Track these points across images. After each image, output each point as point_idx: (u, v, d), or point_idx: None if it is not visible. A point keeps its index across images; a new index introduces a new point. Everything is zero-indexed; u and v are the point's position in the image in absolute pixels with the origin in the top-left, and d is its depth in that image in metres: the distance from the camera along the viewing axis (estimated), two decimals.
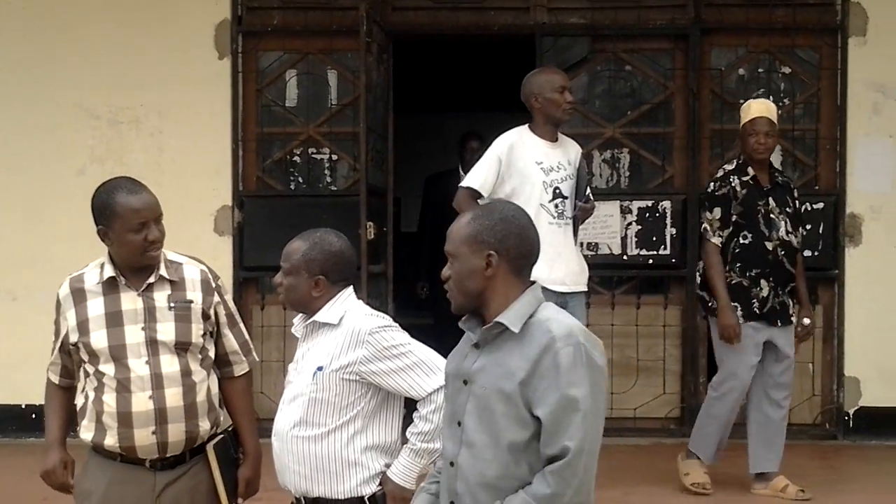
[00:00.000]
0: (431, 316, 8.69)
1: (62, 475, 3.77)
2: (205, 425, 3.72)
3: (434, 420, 3.50)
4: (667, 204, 7.82)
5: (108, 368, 3.62)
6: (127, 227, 3.61)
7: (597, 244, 7.78)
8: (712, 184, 6.35)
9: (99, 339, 3.63)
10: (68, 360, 3.78)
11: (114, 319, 3.65)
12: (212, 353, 3.80)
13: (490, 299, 2.93)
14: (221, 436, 3.82)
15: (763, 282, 6.15)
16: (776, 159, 7.27)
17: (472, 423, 2.89)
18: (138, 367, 3.62)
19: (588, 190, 5.98)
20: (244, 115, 7.95)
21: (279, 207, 7.85)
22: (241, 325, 3.95)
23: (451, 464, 2.95)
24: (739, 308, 6.15)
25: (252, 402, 4.04)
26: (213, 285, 3.81)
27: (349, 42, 7.63)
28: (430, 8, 7.99)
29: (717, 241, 6.21)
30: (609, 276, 7.88)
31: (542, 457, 2.79)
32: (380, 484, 3.59)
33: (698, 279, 6.42)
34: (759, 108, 6.28)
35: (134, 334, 3.64)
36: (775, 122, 6.30)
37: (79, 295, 3.70)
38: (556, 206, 5.79)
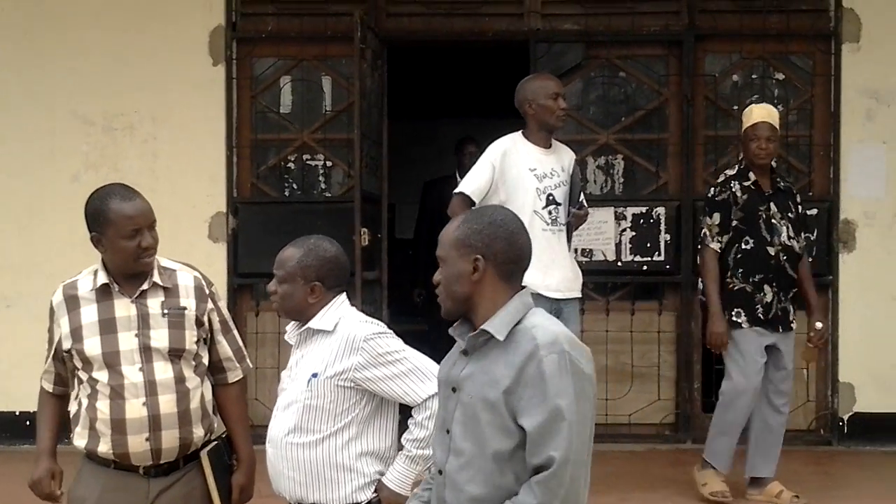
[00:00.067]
0: (426, 322, 8.69)
1: (48, 485, 3.76)
2: (199, 432, 3.72)
3: (429, 426, 3.50)
4: (661, 210, 7.82)
5: (101, 375, 3.62)
6: (120, 233, 3.60)
7: (591, 250, 7.78)
8: (712, 189, 6.33)
9: (92, 345, 3.63)
10: (62, 367, 3.77)
11: (107, 326, 3.64)
12: (205, 360, 3.80)
13: (478, 304, 2.91)
14: (215, 442, 3.81)
15: (766, 287, 6.13)
16: None
17: (459, 431, 2.88)
18: (132, 373, 3.61)
19: (582, 196, 5.98)
20: (238, 122, 7.95)
21: (273, 214, 7.85)
22: (235, 332, 3.95)
23: (440, 472, 2.95)
24: (743, 314, 6.12)
25: (246, 408, 4.04)
26: (207, 292, 3.81)
27: (343, 48, 7.64)
28: (425, 14, 8.00)
29: (715, 246, 6.20)
30: (604, 282, 7.88)
31: (527, 466, 2.77)
32: (375, 491, 3.59)
33: (700, 285, 6.40)
34: (760, 114, 6.25)
35: (127, 341, 3.63)
36: (777, 127, 6.27)
37: (72, 302, 3.70)
38: (550, 212, 5.79)
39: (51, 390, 3.85)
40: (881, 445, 7.62)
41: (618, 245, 7.82)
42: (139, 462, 3.65)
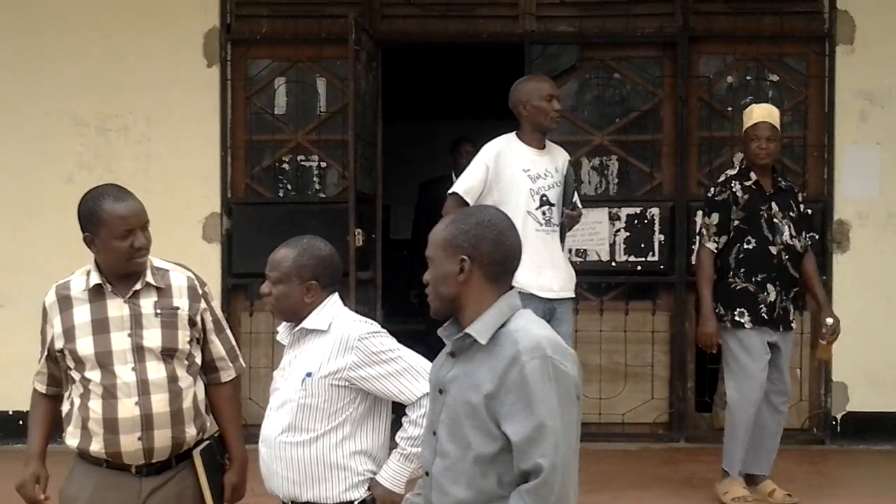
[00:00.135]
0: (423, 322, 8.71)
1: (32, 490, 3.76)
2: (191, 431, 3.73)
3: (423, 424, 3.50)
4: (655, 211, 7.84)
5: (94, 375, 3.63)
6: (113, 234, 3.61)
7: (585, 251, 7.80)
8: (713, 189, 6.32)
9: (85, 345, 3.63)
10: (55, 367, 3.78)
11: (100, 326, 3.65)
12: (198, 360, 3.80)
13: (465, 305, 2.89)
14: (208, 442, 3.82)
15: (770, 286, 6.10)
16: None
17: (445, 434, 2.87)
18: (124, 373, 3.62)
19: (576, 197, 5.99)
20: (233, 123, 7.96)
21: (268, 214, 7.86)
22: (228, 332, 3.95)
23: (427, 473, 2.95)
24: (747, 314, 6.09)
25: (239, 408, 4.05)
26: (200, 292, 3.82)
27: (338, 50, 7.64)
28: (419, 16, 8.01)
29: (711, 246, 6.19)
30: (598, 282, 7.89)
31: (515, 472, 2.75)
32: (368, 489, 3.60)
33: None
34: (760, 114, 6.23)
35: (120, 341, 3.64)
36: (778, 127, 6.25)
37: (65, 302, 3.71)
38: (544, 213, 5.80)
39: (43, 391, 3.86)
40: (874, 444, 7.64)
41: (612, 245, 7.84)
42: (131, 461, 3.65)
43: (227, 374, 3.91)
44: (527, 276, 5.66)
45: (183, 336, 3.71)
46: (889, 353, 7.60)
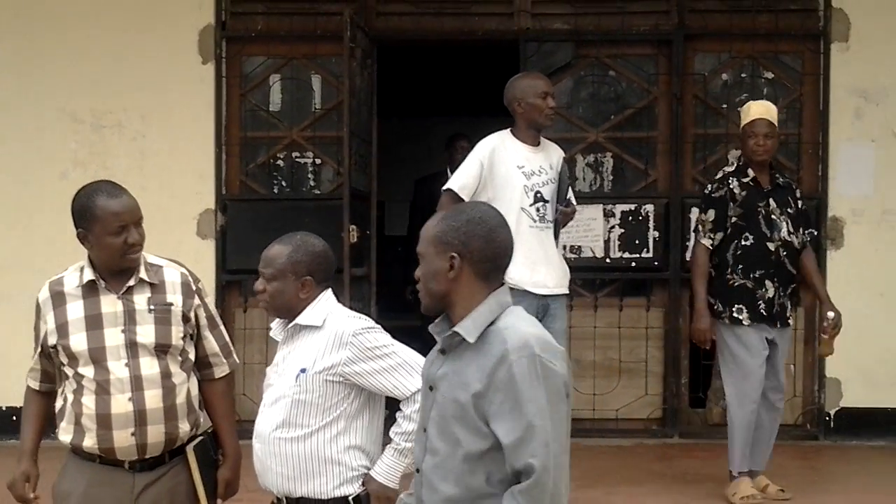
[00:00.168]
0: (418, 318, 8.71)
1: (21, 488, 3.76)
2: (184, 427, 3.73)
3: (417, 419, 3.51)
4: (650, 207, 7.85)
5: (87, 371, 3.63)
6: (106, 230, 3.61)
7: (580, 247, 7.81)
8: (710, 185, 6.31)
9: (78, 341, 3.64)
10: (48, 364, 3.78)
11: (93, 322, 3.65)
12: (192, 356, 3.81)
13: (455, 303, 2.88)
14: (201, 437, 3.82)
15: (768, 282, 6.09)
16: None
17: (434, 431, 2.87)
18: (118, 369, 3.62)
19: (570, 194, 5.99)
20: (228, 120, 7.97)
21: (262, 211, 7.87)
22: (222, 328, 3.96)
23: (418, 470, 2.95)
24: (745, 310, 6.08)
25: (232, 404, 4.05)
26: (194, 288, 3.82)
27: (333, 47, 7.64)
28: (415, 13, 8.02)
29: (706, 242, 6.17)
30: (592, 278, 7.90)
31: (508, 470, 2.75)
32: (363, 484, 3.60)
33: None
34: (758, 110, 6.22)
35: (114, 337, 3.64)
36: (775, 123, 6.24)
37: (58, 298, 3.71)
38: (538, 209, 5.81)
39: (37, 388, 3.86)
40: (867, 440, 7.67)
41: (606, 242, 7.86)
42: (124, 457, 3.66)
43: (221, 370, 3.91)
44: (521, 273, 5.68)
45: (176, 332, 3.72)
46: (883, 349, 7.62)
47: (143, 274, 3.72)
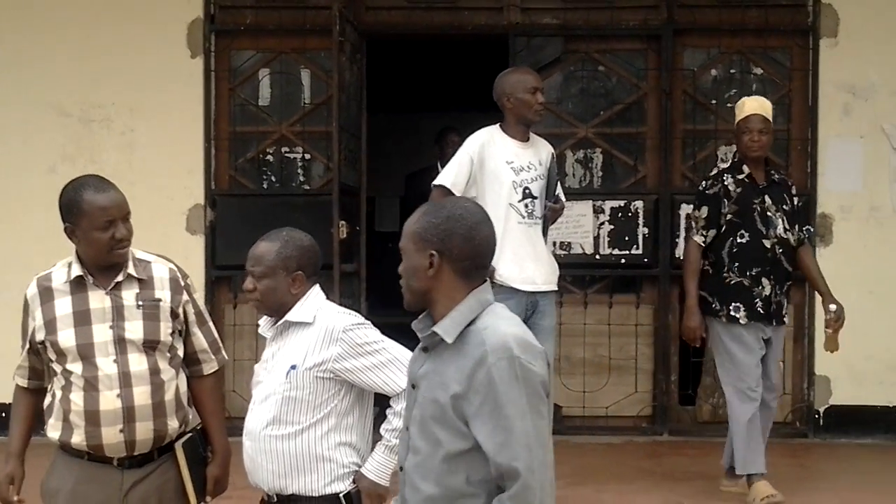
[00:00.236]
0: (408, 315, 8.69)
1: (5, 490, 3.74)
2: (173, 424, 3.71)
3: None
4: (639, 204, 7.85)
5: (75, 367, 3.61)
6: (94, 224, 3.59)
7: (569, 244, 7.81)
8: (704, 182, 6.27)
9: (66, 337, 3.62)
10: (37, 361, 3.76)
11: (81, 318, 3.63)
12: (180, 352, 3.79)
13: (436, 300, 2.85)
14: (190, 434, 3.81)
15: (764, 280, 6.04)
16: None
17: (416, 430, 2.85)
18: (106, 365, 3.61)
19: (559, 190, 5.98)
20: (217, 114, 7.95)
21: (252, 206, 7.85)
22: (210, 324, 3.94)
23: (401, 469, 2.93)
24: (742, 308, 6.03)
25: (221, 400, 4.04)
26: (182, 284, 3.80)
27: (322, 41, 7.62)
28: (404, 8, 8.00)
29: (699, 239, 6.13)
30: (582, 275, 7.91)
31: (493, 474, 2.72)
32: (353, 481, 3.59)
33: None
34: (752, 106, 6.17)
35: (102, 333, 3.62)
36: (770, 119, 6.19)
37: (46, 294, 3.69)
38: (526, 205, 5.79)
39: (25, 385, 3.83)
40: (856, 438, 7.68)
41: (596, 238, 7.85)
42: (113, 454, 3.64)
43: (210, 367, 3.90)
44: (509, 269, 5.67)
45: (165, 328, 3.70)
46: (872, 346, 7.62)
47: (131, 269, 3.70)
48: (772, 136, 6.30)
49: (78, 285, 3.67)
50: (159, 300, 3.71)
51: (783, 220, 6.12)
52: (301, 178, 8.13)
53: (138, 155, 7.81)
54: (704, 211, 6.13)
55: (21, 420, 3.83)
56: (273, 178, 8.12)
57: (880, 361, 7.65)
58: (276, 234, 3.71)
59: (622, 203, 7.86)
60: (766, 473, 6.08)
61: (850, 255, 7.71)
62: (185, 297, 3.79)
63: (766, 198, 6.12)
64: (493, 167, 5.78)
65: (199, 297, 3.97)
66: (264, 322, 3.77)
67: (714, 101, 7.98)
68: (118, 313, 3.65)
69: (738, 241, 6.08)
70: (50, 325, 3.64)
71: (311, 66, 8.08)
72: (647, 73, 7.98)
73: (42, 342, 3.65)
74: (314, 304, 3.67)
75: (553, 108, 7.74)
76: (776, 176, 6.28)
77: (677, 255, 7.74)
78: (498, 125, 5.95)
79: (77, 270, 3.67)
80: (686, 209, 7.62)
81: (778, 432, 7.53)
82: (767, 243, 6.07)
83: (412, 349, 3.48)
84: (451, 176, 5.79)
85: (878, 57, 7.76)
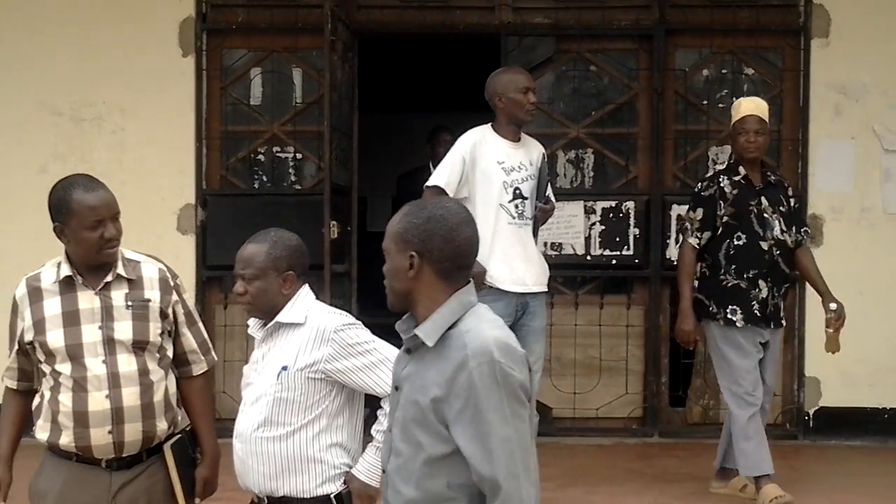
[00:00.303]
0: (399, 315, 8.68)
1: None
2: (162, 425, 3.70)
3: None
4: (630, 204, 7.85)
5: (64, 368, 3.60)
6: (83, 224, 3.58)
7: (560, 244, 7.80)
8: (700, 184, 6.23)
9: (55, 338, 3.61)
10: (26, 362, 3.74)
11: (70, 318, 3.62)
12: (170, 353, 3.78)
13: (417, 302, 2.82)
14: (179, 435, 3.79)
15: (761, 282, 5.99)
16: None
17: (398, 432, 2.83)
18: (95, 366, 3.59)
19: (549, 191, 5.96)
20: (208, 113, 7.93)
21: (243, 206, 7.83)
22: (200, 324, 3.93)
23: (384, 471, 2.92)
24: (739, 311, 5.98)
25: (211, 401, 4.02)
26: (172, 284, 3.79)
27: (314, 40, 7.61)
28: (396, 7, 7.99)
29: (693, 241, 6.09)
30: (573, 276, 7.91)
31: (475, 480, 2.69)
32: (344, 482, 3.58)
33: (695, 283, 6.19)
34: (748, 107, 6.14)
35: (91, 333, 3.61)
36: (766, 120, 6.16)
37: (35, 294, 3.68)
38: (517, 206, 5.78)
39: (15, 387, 3.82)
40: (846, 440, 7.69)
41: (587, 239, 7.85)
42: (101, 455, 3.62)
43: (199, 368, 3.88)
44: (499, 270, 5.67)
45: (154, 328, 3.69)
46: (862, 348, 7.60)
47: (120, 269, 3.69)
48: (768, 138, 6.28)
49: (67, 285, 3.66)
50: (149, 300, 3.70)
51: (780, 222, 6.08)
52: (292, 178, 8.12)
53: (129, 154, 7.79)
54: (699, 213, 6.09)
55: (10, 424, 3.81)
56: (264, 178, 8.10)
57: (870, 363, 7.64)
58: (264, 235, 3.70)
59: (613, 203, 7.86)
60: (774, 474, 6.05)
61: (841, 256, 7.71)
62: (175, 297, 3.78)
63: (763, 199, 6.08)
64: (485, 167, 5.77)
65: (189, 297, 3.96)
66: (253, 323, 3.75)
67: (706, 102, 7.99)
68: (107, 314, 3.63)
69: (735, 243, 6.04)
70: (39, 325, 3.63)
71: (303, 64, 8.07)
72: (639, 73, 7.99)
73: (31, 343, 3.64)
74: (304, 304, 3.66)
75: (545, 107, 7.74)
76: (773, 177, 6.24)
77: (668, 256, 7.75)
78: (489, 125, 5.94)
79: (66, 270, 3.66)
80: (678, 210, 7.66)
81: (768, 434, 7.41)
82: (765, 245, 6.03)
83: None
84: (444, 176, 5.78)
85: (870, 58, 7.77)
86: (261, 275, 3.62)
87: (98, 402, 3.58)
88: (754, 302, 6.01)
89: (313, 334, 3.56)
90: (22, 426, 3.83)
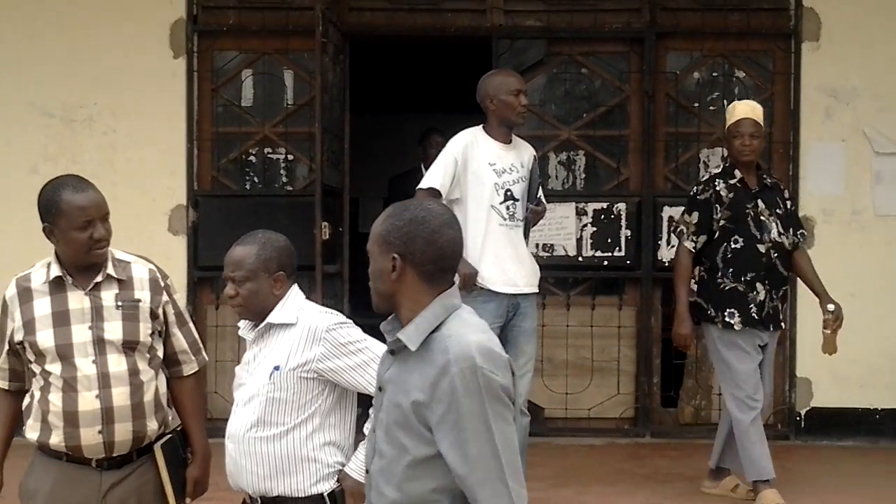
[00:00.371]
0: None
1: None
2: (152, 425, 3.70)
3: None
4: (622, 206, 7.86)
5: (54, 368, 3.60)
6: (72, 224, 3.58)
7: (552, 245, 7.81)
8: (696, 187, 6.20)
9: (45, 338, 3.60)
10: (17, 362, 3.74)
11: (60, 319, 3.62)
12: (160, 353, 3.78)
13: (401, 304, 2.80)
14: (169, 435, 3.79)
15: (759, 285, 5.97)
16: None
17: (381, 433, 2.81)
18: (85, 366, 3.59)
19: (540, 192, 5.96)
20: (199, 115, 7.92)
21: (234, 207, 7.83)
22: (191, 325, 3.93)
23: (367, 471, 2.91)
24: (737, 314, 5.95)
25: (201, 401, 4.02)
26: (162, 284, 3.79)
27: (305, 42, 7.61)
28: (387, 9, 8.00)
29: (689, 245, 6.06)
30: (564, 277, 7.92)
31: (457, 482, 2.68)
32: (338, 481, 3.59)
33: (694, 286, 6.18)
34: (743, 110, 6.13)
35: (81, 333, 3.61)
36: (761, 122, 6.14)
37: (25, 295, 3.67)
38: (508, 207, 5.78)
39: (6, 387, 3.80)
40: (838, 440, 7.71)
41: (579, 240, 7.86)
42: (92, 455, 3.62)
43: (190, 368, 3.88)
44: (490, 271, 5.67)
45: (144, 329, 3.69)
46: (853, 349, 7.59)
47: (110, 270, 3.69)
48: (763, 140, 6.26)
49: (57, 286, 3.66)
50: (139, 301, 3.70)
51: (778, 224, 6.06)
52: (284, 179, 8.12)
53: (120, 155, 7.79)
54: (695, 217, 6.07)
55: (1, 427, 3.80)
56: (256, 179, 8.10)
57: (862, 364, 7.66)
58: (251, 237, 3.70)
59: (605, 205, 7.87)
60: (774, 479, 6.03)
61: (832, 257, 7.71)
62: (165, 297, 3.78)
63: (760, 202, 6.05)
64: (476, 168, 5.77)
65: (181, 297, 3.96)
66: (244, 324, 3.75)
67: (696, 104, 8.00)
68: (97, 314, 3.63)
69: (733, 246, 6.01)
70: (29, 325, 3.63)
71: (294, 66, 8.07)
72: (630, 75, 8.00)
73: (21, 343, 3.64)
74: (295, 304, 3.66)
75: (536, 110, 7.75)
76: (769, 180, 6.21)
77: (660, 258, 7.77)
78: (481, 127, 5.93)
79: (56, 271, 3.65)
80: (669, 211, 7.68)
81: None
82: (762, 248, 6.01)
83: None
84: (438, 178, 5.75)
85: (860, 61, 7.79)
86: (252, 276, 3.62)
87: (88, 401, 3.58)
88: (752, 305, 5.98)
89: (305, 334, 3.56)
90: (13, 427, 3.82)
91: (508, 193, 5.78)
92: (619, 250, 7.87)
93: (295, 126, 8.01)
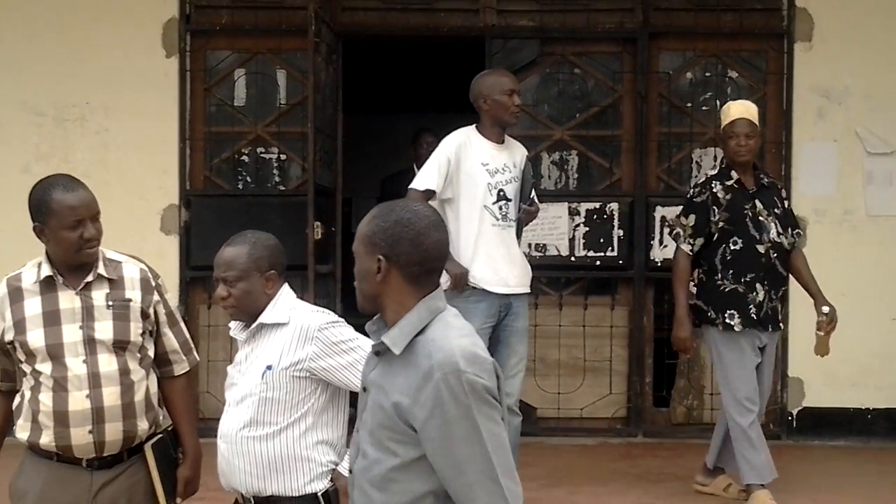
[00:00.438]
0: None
1: None
2: (143, 425, 3.70)
3: None
4: (614, 206, 7.86)
5: (45, 367, 3.60)
6: (62, 224, 3.58)
7: (545, 245, 7.81)
8: (692, 189, 6.17)
9: (36, 337, 3.60)
10: (7, 362, 3.74)
11: (51, 318, 3.62)
12: (151, 353, 3.78)
13: (385, 305, 2.78)
14: (160, 435, 3.79)
15: (758, 286, 5.94)
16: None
17: (366, 434, 2.80)
18: (76, 365, 3.59)
19: (532, 193, 5.96)
20: (192, 114, 7.92)
21: (227, 207, 7.82)
22: (182, 324, 3.93)
23: (351, 471, 2.89)
24: (737, 315, 5.93)
25: (193, 401, 4.02)
26: (153, 284, 3.79)
27: (298, 42, 7.60)
28: (380, 9, 7.99)
29: (686, 248, 6.04)
30: (557, 277, 7.91)
31: (445, 486, 2.67)
32: (331, 480, 3.59)
33: (693, 289, 6.16)
34: (738, 110, 6.08)
35: (72, 333, 3.61)
36: (756, 123, 6.09)
37: (16, 294, 3.67)
38: (500, 208, 5.78)
39: None
40: (829, 440, 7.72)
41: (571, 240, 7.86)
42: (82, 455, 3.62)
43: (181, 367, 3.89)
44: (482, 271, 5.67)
45: (135, 328, 3.69)
46: (845, 349, 7.58)
47: (101, 269, 3.68)
48: (759, 140, 6.19)
49: (48, 285, 3.65)
50: (130, 300, 3.70)
51: (776, 224, 6.04)
52: (276, 179, 8.11)
53: (113, 155, 7.78)
54: (692, 219, 6.04)
55: None
56: (248, 179, 8.09)
57: (853, 364, 7.67)
58: (241, 237, 3.70)
59: (597, 205, 7.87)
60: (769, 482, 6.03)
61: (824, 257, 7.70)
62: (156, 297, 3.78)
63: (758, 202, 6.02)
64: (469, 168, 5.76)
65: (172, 297, 3.97)
66: (235, 325, 3.75)
67: (689, 105, 8.01)
68: (88, 313, 3.63)
69: (732, 247, 5.98)
70: (19, 325, 3.62)
71: (287, 66, 8.06)
72: (623, 75, 8.00)
73: (11, 342, 3.64)
74: (287, 303, 3.66)
75: (529, 110, 7.76)
76: (765, 180, 6.18)
77: (652, 258, 7.78)
78: (473, 126, 5.93)
79: (47, 270, 3.65)
80: (661, 211, 7.69)
81: None
82: (761, 248, 5.98)
83: None
84: (431, 178, 5.74)
85: (853, 61, 7.80)
86: (244, 276, 3.62)
87: (78, 401, 3.57)
88: (751, 306, 5.96)
89: (297, 333, 3.57)
90: (5, 426, 3.82)
91: (501, 193, 5.78)
92: (612, 250, 7.87)
93: (288, 126, 8.01)
